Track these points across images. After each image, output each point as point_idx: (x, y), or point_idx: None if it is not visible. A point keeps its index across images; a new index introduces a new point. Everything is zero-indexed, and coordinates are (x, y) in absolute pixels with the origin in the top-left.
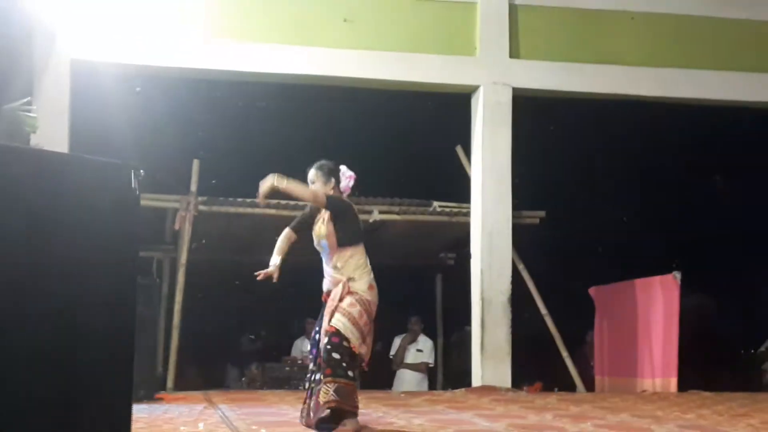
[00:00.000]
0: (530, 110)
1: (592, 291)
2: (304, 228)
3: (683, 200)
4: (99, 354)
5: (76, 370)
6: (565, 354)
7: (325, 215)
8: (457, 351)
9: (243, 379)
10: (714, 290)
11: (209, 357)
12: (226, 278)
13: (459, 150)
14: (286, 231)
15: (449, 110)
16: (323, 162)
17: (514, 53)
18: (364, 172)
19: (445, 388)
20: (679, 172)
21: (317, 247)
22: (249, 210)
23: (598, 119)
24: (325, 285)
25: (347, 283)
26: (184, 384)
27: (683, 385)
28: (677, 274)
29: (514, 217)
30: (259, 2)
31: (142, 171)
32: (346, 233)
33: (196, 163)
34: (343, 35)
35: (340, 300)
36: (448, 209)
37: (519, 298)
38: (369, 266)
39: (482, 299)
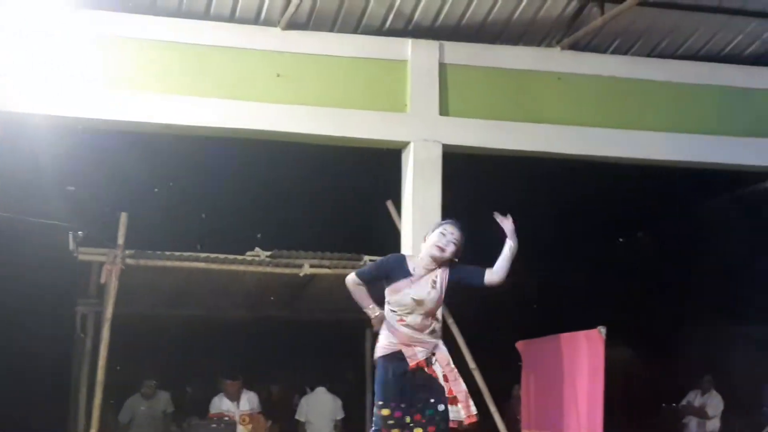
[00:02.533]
0: (461, 167)
1: (519, 345)
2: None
3: (607, 255)
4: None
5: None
6: (492, 408)
7: (439, 277)
8: None
9: None
10: (638, 344)
11: None
12: (153, 333)
13: (389, 205)
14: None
15: (381, 165)
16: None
17: (443, 111)
18: (295, 226)
19: None
20: (603, 227)
21: (412, 307)
22: (177, 263)
23: (526, 176)
24: (420, 353)
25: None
26: None
27: None
28: (602, 329)
29: None
30: (189, 55)
31: (80, 232)
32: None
33: (123, 216)
34: (276, 90)
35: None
36: None
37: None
38: None
39: None
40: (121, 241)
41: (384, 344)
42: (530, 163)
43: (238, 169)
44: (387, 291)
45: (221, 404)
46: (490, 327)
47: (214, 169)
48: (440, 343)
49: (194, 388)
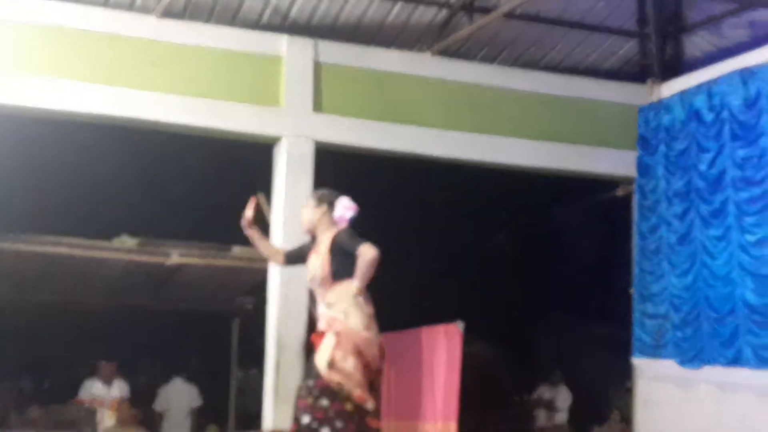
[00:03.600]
0: (334, 164)
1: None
2: (297, 260)
3: (468, 254)
4: None
5: None
6: None
7: (323, 243)
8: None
9: None
10: (495, 339)
11: None
12: (11, 320)
13: (261, 196)
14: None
15: (254, 158)
16: (322, 190)
17: (317, 107)
18: (165, 215)
19: (236, 430)
20: (465, 227)
21: (309, 284)
22: (38, 248)
23: (396, 176)
24: (321, 324)
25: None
26: None
27: (462, 429)
28: (460, 324)
29: None
30: (60, 39)
31: None
32: (343, 265)
33: None
34: (149, 78)
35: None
36: (248, 254)
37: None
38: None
39: (278, 344)
40: None
41: None
42: (399, 163)
43: (109, 156)
44: None
45: (92, 387)
46: None
47: (84, 154)
48: (348, 322)
49: (54, 377)
